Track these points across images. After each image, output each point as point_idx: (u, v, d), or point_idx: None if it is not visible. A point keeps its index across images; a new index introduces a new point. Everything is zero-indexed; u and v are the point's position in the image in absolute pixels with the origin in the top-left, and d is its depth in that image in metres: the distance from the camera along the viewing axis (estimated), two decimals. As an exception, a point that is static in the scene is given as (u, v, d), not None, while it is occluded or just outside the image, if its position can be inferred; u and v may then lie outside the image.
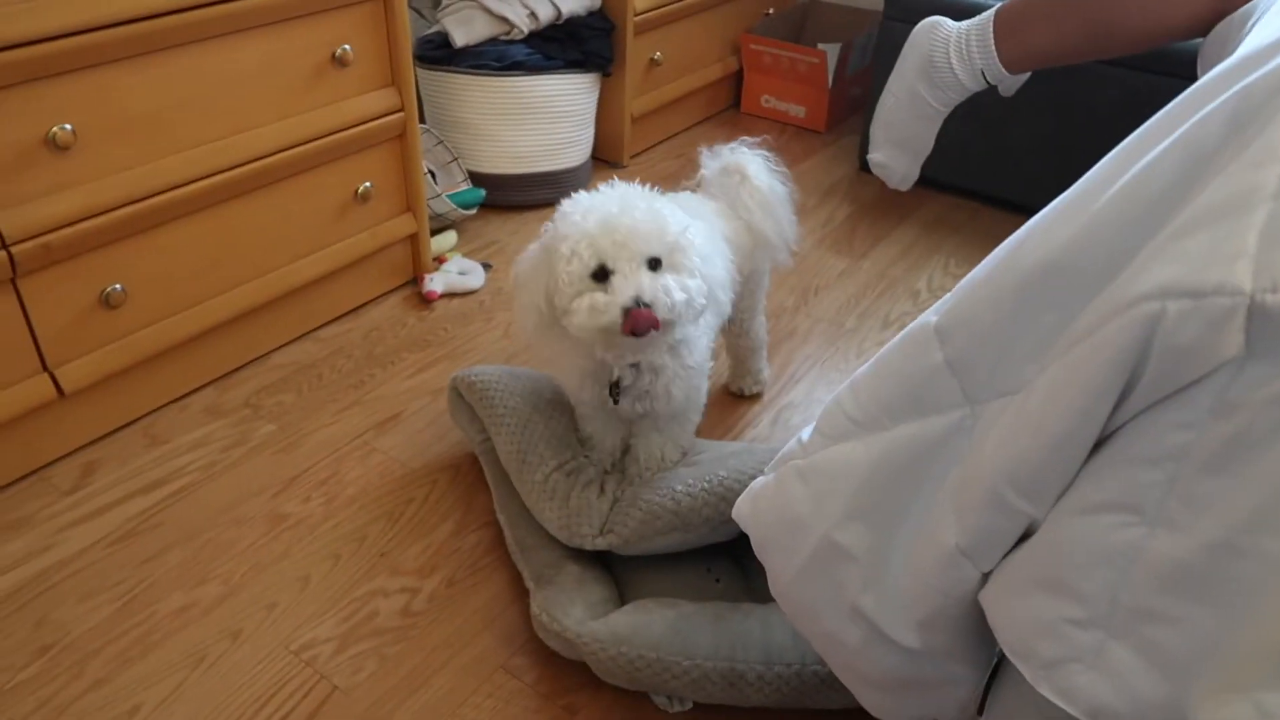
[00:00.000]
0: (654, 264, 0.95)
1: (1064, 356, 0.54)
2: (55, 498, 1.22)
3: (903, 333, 0.67)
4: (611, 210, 0.95)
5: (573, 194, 1.00)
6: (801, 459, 0.73)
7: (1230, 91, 0.50)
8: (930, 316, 0.64)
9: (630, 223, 0.94)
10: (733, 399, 1.44)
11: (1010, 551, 0.60)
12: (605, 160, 2.13)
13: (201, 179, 1.27)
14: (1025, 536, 0.60)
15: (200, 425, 1.34)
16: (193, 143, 1.26)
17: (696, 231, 0.99)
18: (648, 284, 0.92)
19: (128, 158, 1.19)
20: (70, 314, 1.20)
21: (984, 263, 0.63)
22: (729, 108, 2.46)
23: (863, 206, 1.99)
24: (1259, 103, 0.48)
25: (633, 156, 2.16)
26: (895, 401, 0.66)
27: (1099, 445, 0.54)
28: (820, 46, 2.26)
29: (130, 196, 1.20)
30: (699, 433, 1.19)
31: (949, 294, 0.65)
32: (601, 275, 0.94)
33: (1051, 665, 0.56)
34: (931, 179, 2.01)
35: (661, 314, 0.92)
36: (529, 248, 1.03)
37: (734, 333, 1.36)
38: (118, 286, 1.23)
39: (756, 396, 1.44)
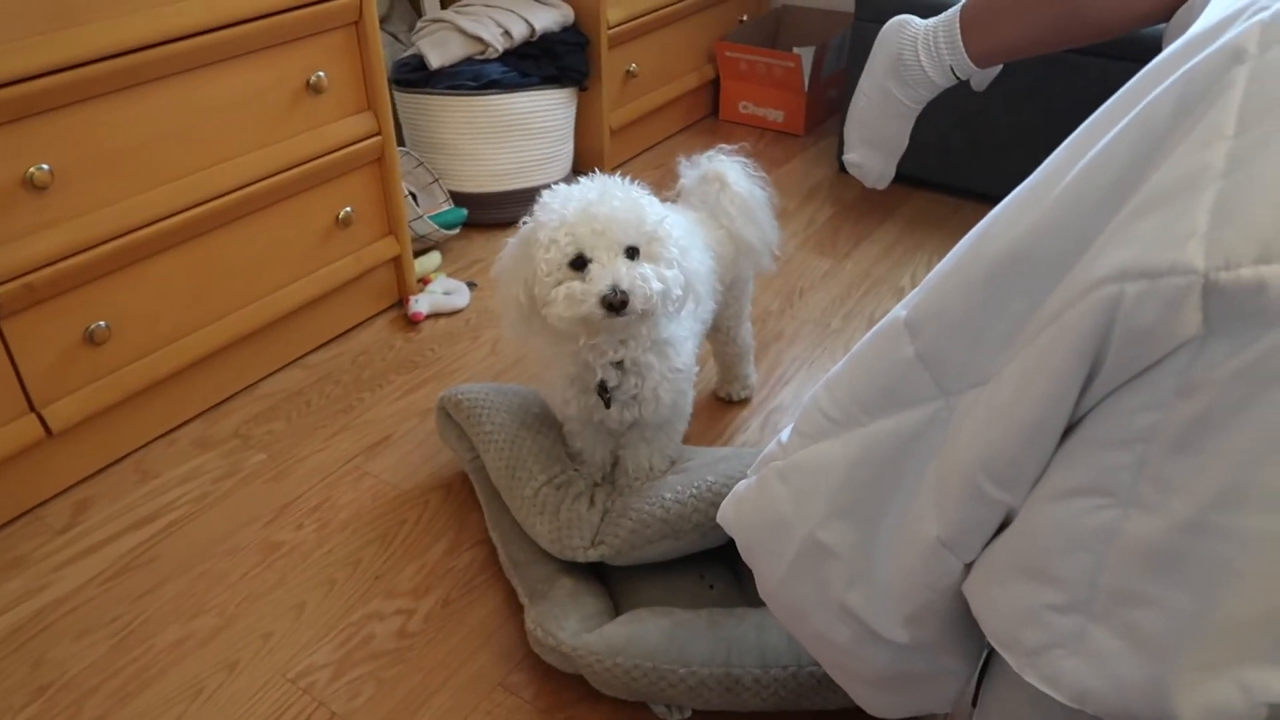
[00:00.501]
0: (632, 253, 0.95)
1: (1031, 344, 0.54)
2: (49, 537, 1.22)
3: (874, 329, 0.67)
4: (590, 199, 0.96)
5: (553, 185, 1.01)
6: (782, 460, 0.73)
7: (1177, 74, 0.51)
8: (900, 311, 0.65)
9: (608, 211, 0.94)
10: (721, 404, 1.44)
11: (990, 541, 0.60)
12: (586, 174, 2.13)
13: (181, 212, 1.27)
14: (1004, 526, 0.60)
15: (190, 458, 1.34)
16: (171, 176, 1.26)
17: (674, 224, 1.00)
18: (625, 273, 0.92)
19: (107, 194, 1.20)
20: (55, 353, 1.20)
21: (950, 254, 0.63)
22: (707, 116, 2.47)
23: (844, 207, 2.00)
24: (1204, 84, 0.49)
25: (613, 169, 2.16)
26: (870, 397, 0.66)
27: (1070, 430, 0.54)
28: (795, 50, 2.27)
29: (111, 233, 1.20)
30: (688, 439, 1.19)
31: (917, 287, 0.65)
32: (580, 264, 0.95)
33: (1035, 652, 0.56)
34: (912, 176, 2.02)
35: (639, 303, 0.93)
36: (508, 241, 1.03)
37: (720, 339, 1.36)
38: (102, 323, 1.23)
39: (745, 401, 1.44)
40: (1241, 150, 0.46)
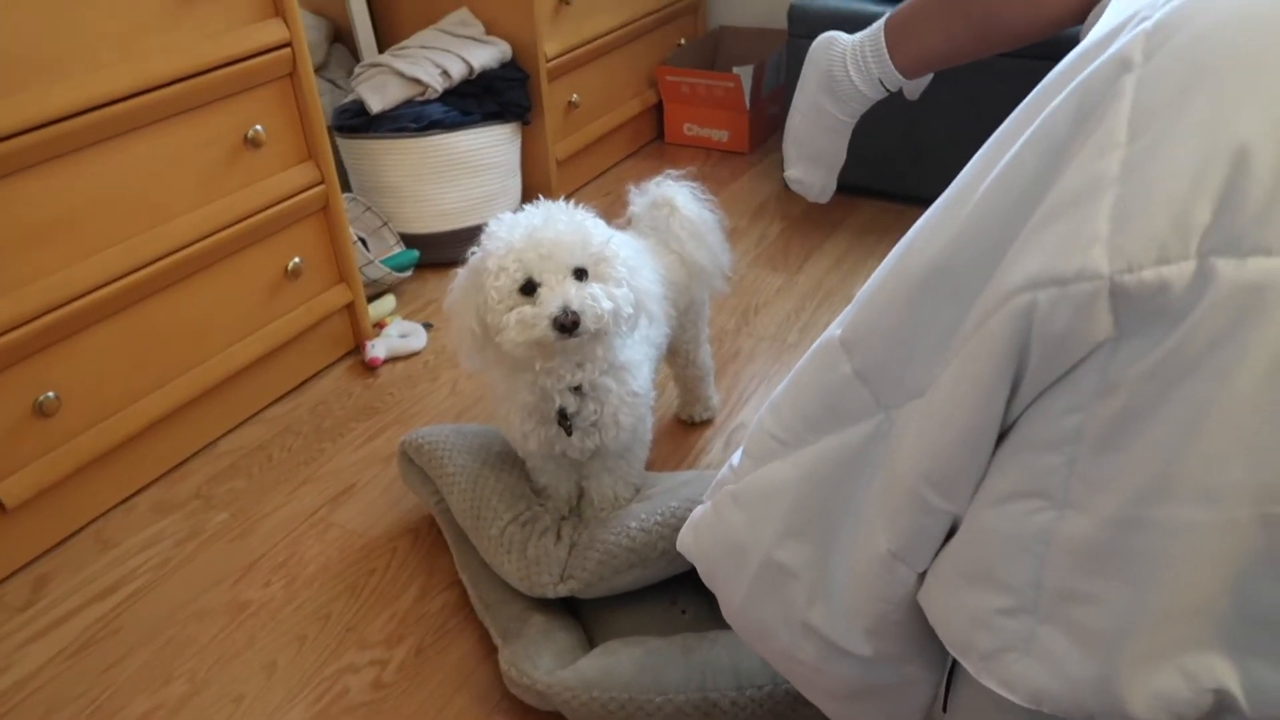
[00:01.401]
0: (581, 275, 0.96)
1: (959, 353, 0.55)
2: (8, 616, 1.19)
3: (811, 348, 0.68)
4: (535, 224, 0.97)
5: (498, 215, 1.02)
6: (734, 484, 0.74)
7: (1073, 84, 0.52)
8: (834, 330, 0.66)
9: (554, 235, 0.95)
10: (685, 427, 1.45)
11: (940, 550, 0.61)
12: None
13: (125, 276, 1.26)
14: (953, 534, 0.61)
15: (151, 523, 1.32)
16: (112, 241, 1.25)
17: (622, 243, 1.01)
18: (574, 293, 0.93)
19: (46, 264, 1.18)
20: (4, 428, 1.19)
21: (878, 270, 0.65)
22: (653, 140, 2.49)
23: (793, 222, 2.02)
24: (1097, 94, 0.50)
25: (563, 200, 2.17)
26: (813, 416, 0.67)
27: (1004, 436, 0.55)
28: (734, 70, 2.31)
29: (53, 303, 1.19)
30: (652, 464, 1.20)
31: (850, 305, 0.66)
32: (529, 289, 0.95)
33: (990, 657, 0.57)
34: (857, 186, 2.05)
35: (590, 323, 0.93)
36: (457, 273, 1.03)
37: (680, 363, 1.37)
38: (50, 395, 1.22)
39: (708, 422, 1.45)
40: (1134, 156, 0.47)
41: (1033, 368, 0.51)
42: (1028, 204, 0.53)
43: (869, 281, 0.65)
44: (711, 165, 2.32)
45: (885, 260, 0.64)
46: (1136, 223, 0.46)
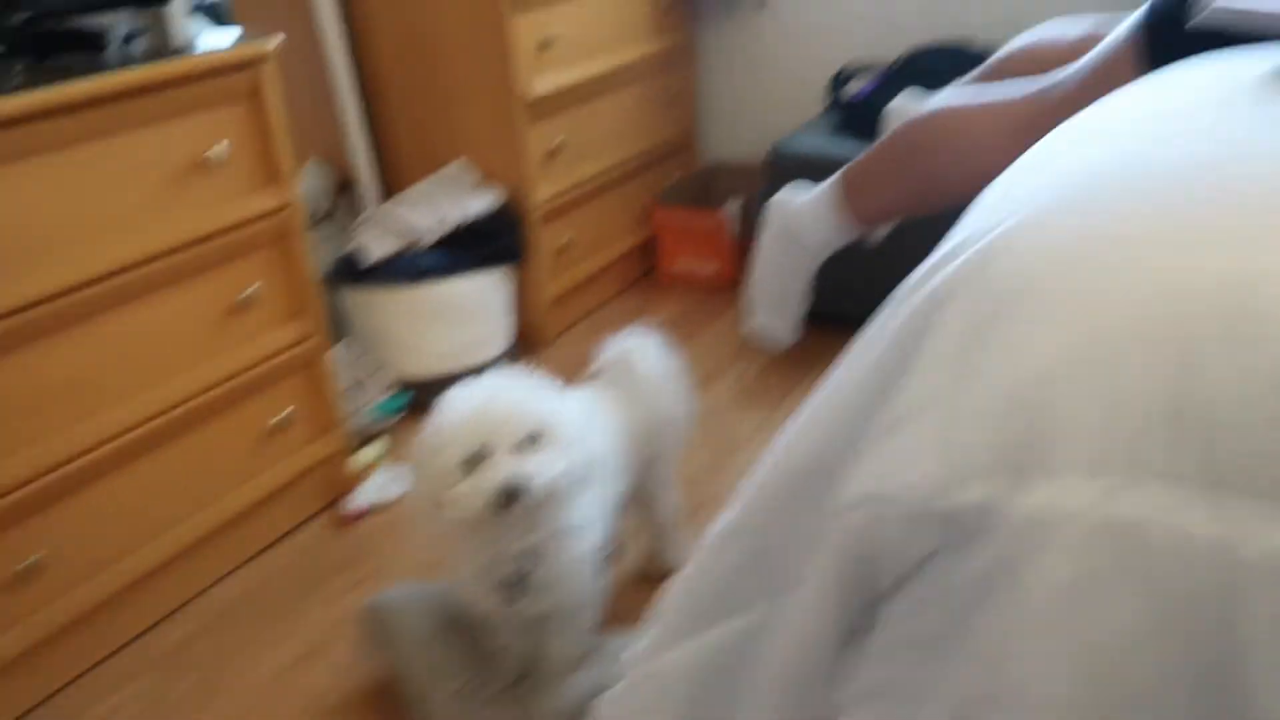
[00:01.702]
0: (527, 445, 0.99)
1: (815, 554, 0.57)
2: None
3: (705, 537, 0.70)
4: (482, 399, 1.00)
5: (454, 388, 1.05)
6: (643, 664, 0.75)
7: (912, 303, 0.55)
8: (723, 520, 0.68)
9: (500, 409, 0.99)
10: (652, 577, 1.43)
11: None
12: (528, 346, 2.17)
13: (114, 439, 1.30)
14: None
15: (120, 687, 1.32)
16: (104, 405, 1.29)
17: (568, 410, 1.04)
18: (516, 467, 0.96)
19: (35, 431, 1.23)
20: (-13, 594, 1.21)
21: (761, 463, 0.67)
22: (645, 274, 2.54)
23: (775, 357, 2.04)
24: (926, 318, 0.53)
25: (555, 338, 2.22)
26: (706, 605, 0.68)
27: (866, 634, 0.56)
28: (724, 206, 2.37)
29: (42, 469, 1.23)
30: (618, 617, 1.19)
31: (737, 496, 0.68)
32: (476, 461, 0.98)
33: None
34: (837, 314, 2.06)
35: (532, 496, 0.95)
36: (416, 444, 1.07)
37: (644, 513, 1.38)
38: (34, 559, 1.24)
39: (675, 572, 1.43)
40: (947, 384, 0.49)
41: (872, 576, 0.52)
42: (870, 417, 0.55)
43: (754, 472, 0.67)
44: (699, 301, 2.36)
45: (769, 451, 0.67)
46: (955, 444, 0.48)
